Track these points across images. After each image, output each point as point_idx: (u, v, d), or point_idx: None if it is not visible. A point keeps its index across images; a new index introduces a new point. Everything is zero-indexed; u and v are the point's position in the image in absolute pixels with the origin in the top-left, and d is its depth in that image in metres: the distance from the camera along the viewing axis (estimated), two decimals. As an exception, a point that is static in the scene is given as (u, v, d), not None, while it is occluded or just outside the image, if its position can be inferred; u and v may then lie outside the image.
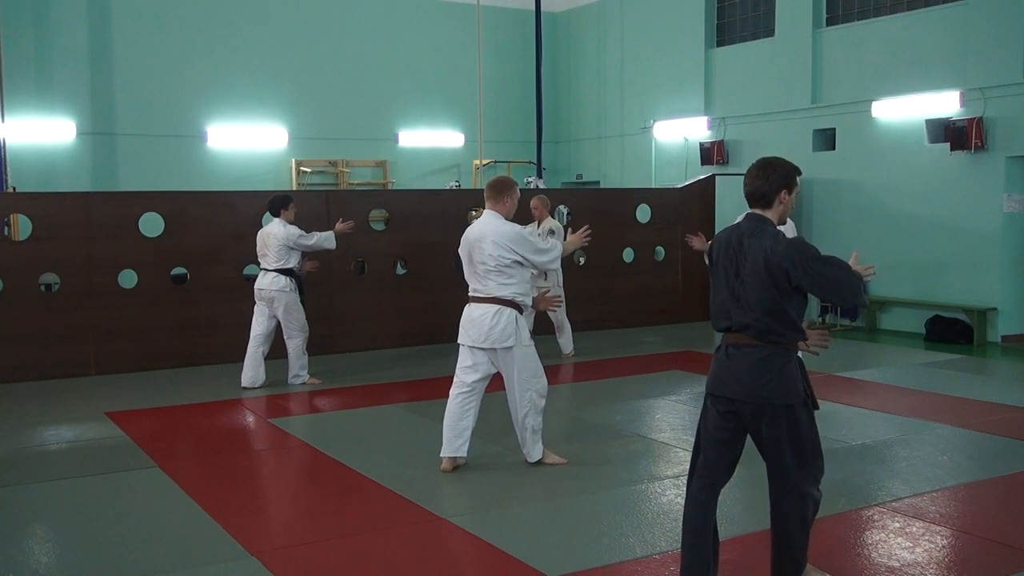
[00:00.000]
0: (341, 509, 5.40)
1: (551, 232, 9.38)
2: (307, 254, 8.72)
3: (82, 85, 14.12)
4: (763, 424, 3.75)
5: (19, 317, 9.03)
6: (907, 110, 11.73)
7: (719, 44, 14.88)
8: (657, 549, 4.56)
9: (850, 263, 3.80)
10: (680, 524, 4.75)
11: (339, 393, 8.51)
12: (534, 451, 5.96)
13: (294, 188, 15.27)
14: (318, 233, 8.62)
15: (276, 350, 8.81)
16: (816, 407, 3.85)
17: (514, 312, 5.72)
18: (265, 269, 8.49)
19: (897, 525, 4.87)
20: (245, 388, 8.54)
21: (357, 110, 16.07)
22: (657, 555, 4.49)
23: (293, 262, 8.48)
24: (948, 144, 11.15)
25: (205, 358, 9.75)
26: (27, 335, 9.05)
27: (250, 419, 7.55)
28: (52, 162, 13.91)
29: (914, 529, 4.82)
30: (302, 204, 10.47)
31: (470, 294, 5.86)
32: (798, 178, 3.91)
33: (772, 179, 3.83)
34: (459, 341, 5.91)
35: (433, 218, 10.90)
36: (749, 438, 3.90)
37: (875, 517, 5.00)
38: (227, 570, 4.39)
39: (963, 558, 4.48)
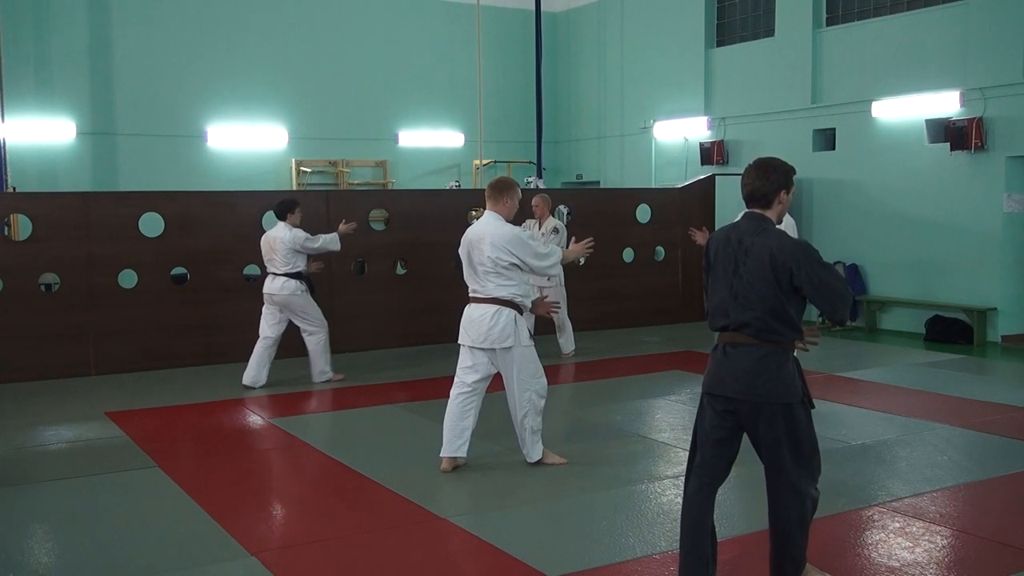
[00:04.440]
0: (341, 509, 5.40)
1: (555, 231, 9.36)
2: (312, 256, 8.74)
3: (82, 85, 14.12)
4: (761, 423, 3.76)
5: (19, 317, 9.03)
6: (907, 110, 11.73)
7: (719, 44, 14.88)
8: (657, 549, 4.56)
9: None
10: (678, 520, 4.77)
11: (339, 393, 8.51)
12: (534, 451, 5.96)
13: (294, 188, 15.27)
14: (323, 235, 8.66)
15: (283, 350, 8.80)
16: (812, 406, 3.86)
17: (513, 312, 5.72)
18: (274, 274, 8.49)
19: (897, 525, 4.87)
20: (246, 387, 8.55)
21: (357, 110, 16.07)
22: (657, 555, 4.49)
23: (301, 265, 8.52)
24: (948, 144, 11.15)
25: (205, 358, 9.75)
26: (27, 335, 9.05)
27: (250, 419, 7.55)
28: (52, 162, 13.91)
29: (914, 529, 4.82)
30: (302, 204, 10.49)
31: (470, 294, 5.86)
32: (794, 177, 3.96)
33: (772, 179, 3.86)
34: (459, 341, 5.92)
35: (433, 218, 10.89)
36: (746, 437, 3.91)
37: (875, 517, 5.00)
38: (227, 570, 4.39)
39: (963, 558, 4.48)
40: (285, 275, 8.43)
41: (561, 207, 12.12)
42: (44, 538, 4.94)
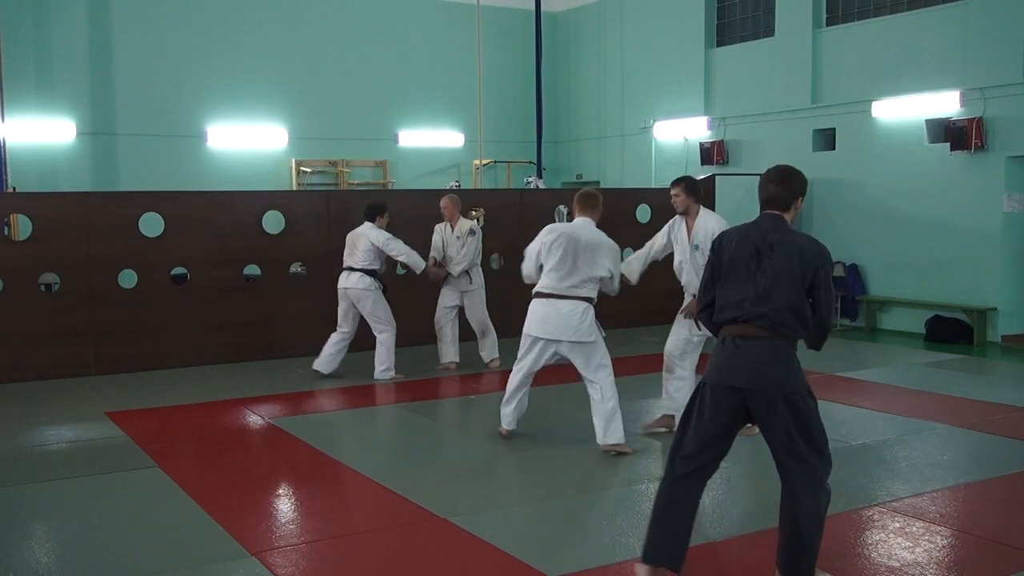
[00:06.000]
0: (341, 509, 5.40)
1: (471, 232, 9.14)
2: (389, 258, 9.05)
3: (82, 85, 14.12)
4: (774, 413, 3.83)
5: (19, 317, 9.02)
6: (907, 110, 11.73)
7: (719, 44, 14.88)
8: (657, 549, 4.56)
9: None
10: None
11: (339, 393, 8.51)
12: (617, 432, 6.23)
13: (294, 188, 15.28)
14: (407, 248, 8.93)
15: (265, 351, 8.79)
16: (815, 401, 3.96)
17: (592, 309, 6.16)
18: (350, 268, 8.81)
19: (897, 525, 4.87)
20: (315, 371, 8.94)
21: (357, 110, 16.07)
22: (657, 555, 4.49)
23: (378, 265, 8.85)
24: (948, 144, 11.15)
25: (205, 358, 9.74)
26: (27, 335, 9.04)
27: (250, 419, 7.55)
28: (52, 162, 13.91)
29: (914, 529, 4.82)
30: (302, 204, 10.50)
31: (550, 291, 6.15)
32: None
33: (793, 186, 4.10)
34: (537, 334, 6.24)
35: (433, 218, 10.85)
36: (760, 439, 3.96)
37: (875, 517, 5.01)
38: (227, 570, 4.39)
39: (963, 558, 4.49)
40: (361, 271, 8.74)
41: (561, 207, 12.11)
42: (44, 538, 4.94)
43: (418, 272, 9.12)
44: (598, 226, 6.33)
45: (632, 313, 12.26)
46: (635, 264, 6.89)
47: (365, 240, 8.77)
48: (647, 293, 12.44)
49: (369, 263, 8.77)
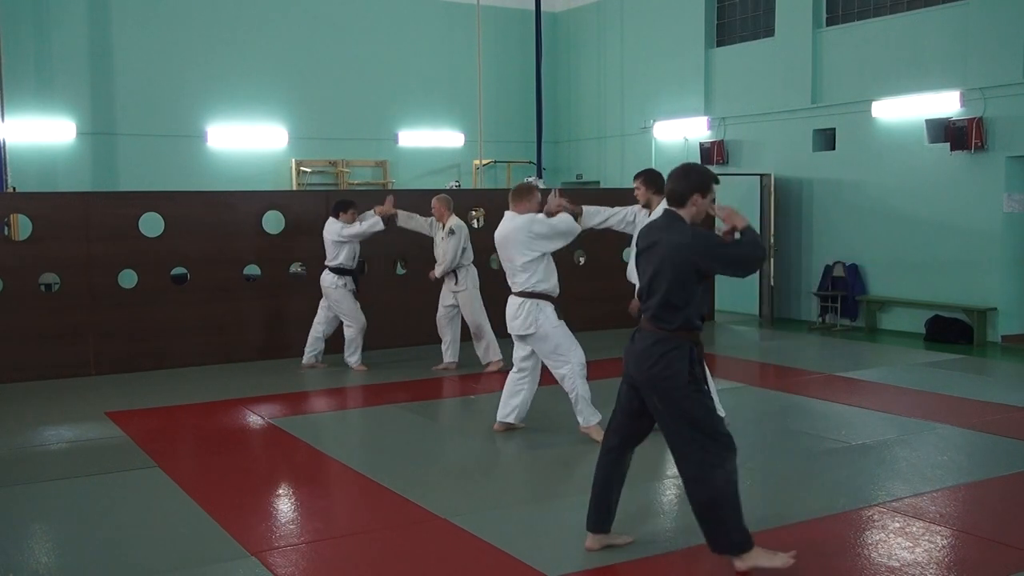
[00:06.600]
0: (341, 509, 5.40)
1: (451, 232, 9.08)
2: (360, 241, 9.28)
3: (82, 85, 14.11)
4: (652, 400, 4.13)
5: (19, 317, 9.02)
6: (907, 110, 11.73)
7: (719, 44, 14.88)
8: (657, 549, 4.56)
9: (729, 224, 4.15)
10: (678, 521, 4.79)
11: (339, 393, 8.51)
12: (581, 417, 6.50)
13: (294, 188, 15.27)
14: (360, 224, 9.11)
15: (265, 351, 8.79)
16: (701, 389, 4.12)
17: (534, 302, 6.37)
18: (326, 266, 9.20)
19: (897, 525, 4.87)
20: (304, 364, 9.44)
21: (357, 110, 16.07)
22: (658, 555, 4.49)
23: (343, 258, 9.11)
24: (948, 144, 11.14)
25: (205, 358, 9.75)
26: (27, 335, 9.05)
27: (250, 419, 7.55)
28: (52, 162, 13.91)
29: (914, 529, 4.82)
30: (302, 204, 10.50)
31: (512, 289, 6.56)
32: (714, 185, 4.22)
33: (690, 181, 4.16)
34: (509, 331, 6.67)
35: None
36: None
37: (875, 517, 5.00)
38: (227, 570, 4.39)
39: (963, 558, 4.48)
40: (330, 269, 9.10)
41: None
42: (44, 538, 4.95)
43: (381, 227, 9.17)
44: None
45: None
46: (597, 217, 6.89)
47: (326, 235, 9.12)
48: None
49: (333, 258, 9.10)
